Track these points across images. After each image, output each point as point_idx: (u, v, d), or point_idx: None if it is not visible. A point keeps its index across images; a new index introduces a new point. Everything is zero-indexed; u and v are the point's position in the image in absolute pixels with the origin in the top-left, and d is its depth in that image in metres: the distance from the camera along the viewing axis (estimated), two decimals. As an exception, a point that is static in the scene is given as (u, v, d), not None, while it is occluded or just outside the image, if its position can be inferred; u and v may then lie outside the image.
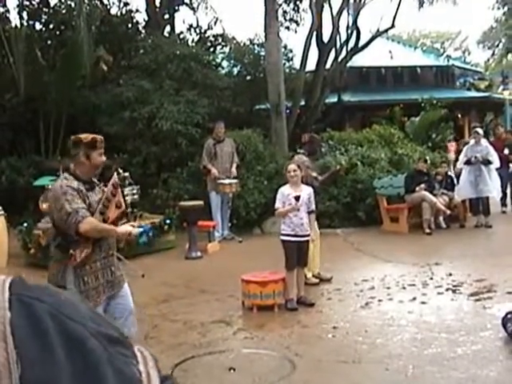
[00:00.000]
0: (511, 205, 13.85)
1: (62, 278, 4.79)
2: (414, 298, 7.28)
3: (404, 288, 7.80)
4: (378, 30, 19.10)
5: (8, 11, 15.84)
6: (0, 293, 0.67)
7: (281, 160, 12.34)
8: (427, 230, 11.58)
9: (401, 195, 12.13)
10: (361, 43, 18.24)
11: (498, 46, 44.40)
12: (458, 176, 12.67)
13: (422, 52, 29.47)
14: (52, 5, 16.26)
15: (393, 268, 8.94)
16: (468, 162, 12.30)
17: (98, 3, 16.89)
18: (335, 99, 18.94)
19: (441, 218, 12.04)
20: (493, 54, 45.84)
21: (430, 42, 51.19)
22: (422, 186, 11.81)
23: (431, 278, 8.17)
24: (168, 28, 17.55)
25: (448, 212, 11.90)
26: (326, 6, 17.25)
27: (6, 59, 14.50)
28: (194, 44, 16.63)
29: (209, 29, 17.76)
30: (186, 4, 18.51)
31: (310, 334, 6.25)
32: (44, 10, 16.16)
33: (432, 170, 12.83)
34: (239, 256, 10.16)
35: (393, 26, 18.61)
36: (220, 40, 17.51)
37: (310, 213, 7.34)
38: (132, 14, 17.29)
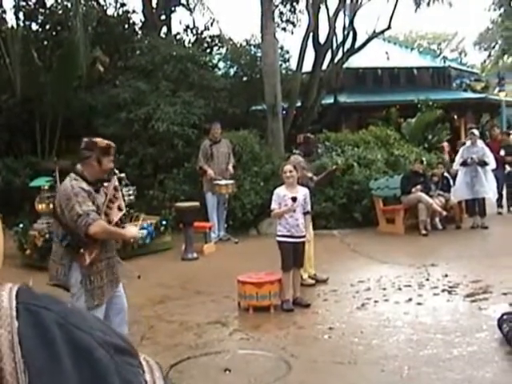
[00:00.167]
0: (507, 206, 13.87)
1: (65, 277, 4.87)
2: (410, 299, 7.29)
3: (400, 289, 7.80)
4: (374, 31, 19.09)
5: (4, 12, 15.81)
6: (7, 301, 0.66)
7: (277, 161, 12.33)
8: (423, 231, 11.59)
9: (397, 196, 12.13)
10: (357, 44, 18.25)
11: (494, 47, 44.51)
12: (454, 177, 12.69)
13: (418, 53, 29.52)
14: (48, 5, 16.24)
15: (389, 269, 8.94)
16: (464, 164, 12.32)
17: (95, 4, 16.88)
18: (331, 100, 18.94)
19: (437, 219, 12.06)
20: (489, 56, 45.96)
21: (426, 44, 51.29)
22: (418, 187, 11.82)
23: (427, 279, 8.17)
24: (165, 29, 17.54)
25: (444, 213, 11.92)
26: (323, 7, 17.25)
27: (2, 60, 14.47)
28: (190, 45, 16.61)
29: (205, 30, 17.75)
30: (183, 5, 18.49)
31: (306, 335, 6.25)
32: (40, 10, 16.14)
33: (428, 171, 12.85)
34: (235, 257, 10.16)
35: (389, 27, 18.61)
36: (217, 41, 17.49)
37: (305, 214, 7.34)
38: (128, 15, 17.26)
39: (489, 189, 12.32)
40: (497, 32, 40.87)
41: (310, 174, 8.36)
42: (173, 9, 17.94)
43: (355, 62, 20.25)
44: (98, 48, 14.60)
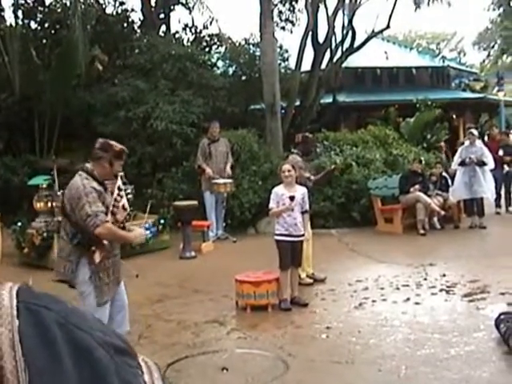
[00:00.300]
0: (505, 206, 13.87)
1: (73, 274, 4.93)
2: (408, 299, 7.29)
3: (398, 289, 7.81)
4: (373, 31, 19.09)
5: (3, 10, 15.79)
6: (8, 300, 0.66)
7: (275, 160, 12.34)
8: (421, 231, 11.60)
9: (395, 196, 12.14)
10: (356, 44, 18.23)
11: (493, 47, 44.53)
12: (452, 177, 12.69)
13: (417, 53, 29.49)
14: (47, 4, 16.23)
15: (387, 269, 8.94)
16: (462, 163, 12.32)
17: (94, 2, 16.86)
18: (330, 99, 18.92)
19: (435, 219, 12.06)
20: (488, 55, 45.97)
21: (425, 43, 51.30)
22: (417, 186, 11.82)
23: (425, 279, 8.18)
24: (163, 27, 17.53)
25: (442, 213, 11.92)
26: (322, 6, 17.25)
27: (0, 58, 14.45)
28: (189, 44, 16.61)
29: (204, 28, 17.74)
30: (182, 3, 18.47)
31: (304, 335, 6.26)
32: (39, 8, 16.13)
33: (426, 170, 12.85)
34: (233, 256, 10.16)
35: (388, 26, 18.61)
36: (215, 40, 17.48)
37: (303, 213, 7.34)
38: (127, 14, 17.25)
39: (487, 189, 12.33)
40: (496, 32, 40.91)
41: (307, 174, 8.35)
42: (172, 7, 17.92)
43: (354, 61, 20.22)
44: (97, 46, 14.58)
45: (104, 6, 17.20)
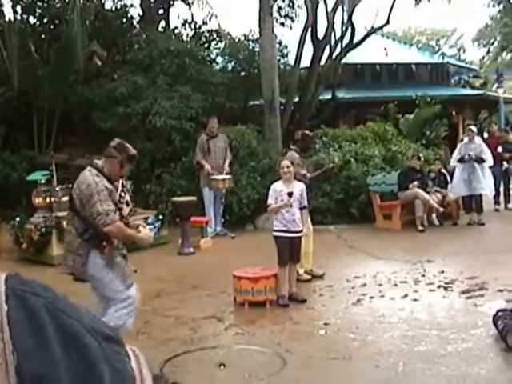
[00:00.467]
0: (504, 203, 13.87)
1: (83, 267, 5.04)
2: (406, 295, 7.29)
3: (396, 285, 7.81)
4: (372, 27, 19.09)
5: (2, 5, 15.76)
6: None
7: (274, 156, 12.34)
8: (420, 228, 11.60)
9: (394, 192, 12.14)
10: (356, 40, 18.23)
11: (493, 43, 44.45)
12: (451, 174, 12.69)
13: (417, 49, 29.40)
14: (46, -1, 16.21)
15: (385, 265, 8.94)
16: (461, 160, 12.32)
17: (93, -3, 16.85)
18: (329, 96, 18.91)
19: (434, 216, 12.06)
20: (488, 52, 45.89)
21: (425, 40, 51.23)
22: (415, 183, 11.82)
23: (423, 276, 8.18)
24: (163, 23, 17.51)
25: (441, 209, 11.92)
26: (321, 2, 17.23)
27: (-1, 53, 14.45)
28: (188, 39, 16.59)
29: (204, 24, 17.70)
30: (181, -1, 18.45)
31: (301, 331, 6.25)
32: (38, 3, 16.11)
33: (425, 167, 12.85)
34: (232, 252, 10.16)
35: (388, 22, 18.60)
36: (215, 35, 17.45)
37: (302, 209, 7.34)
38: (126, 9, 17.23)
39: (486, 185, 12.33)
40: (496, 28, 40.85)
41: (303, 172, 8.33)
42: (171, 3, 17.88)
43: (353, 57, 20.21)
44: (96, 42, 14.56)
45: (103, 2, 17.17)
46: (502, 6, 34.63)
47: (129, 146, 5.20)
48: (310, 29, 16.90)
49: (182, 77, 14.12)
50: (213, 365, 5.34)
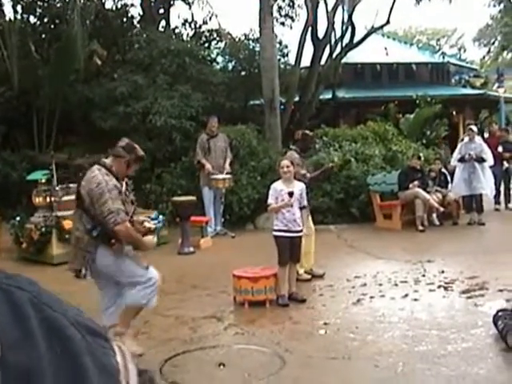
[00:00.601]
0: (504, 203, 13.87)
1: (94, 264, 5.09)
2: (406, 295, 7.28)
3: (396, 285, 7.80)
4: (373, 26, 19.07)
5: (2, 4, 15.77)
6: None
7: (274, 156, 12.34)
8: (420, 227, 11.59)
9: (394, 192, 12.13)
10: (356, 39, 18.21)
11: (493, 43, 44.45)
12: (451, 173, 12.68)
13: (417, 49, 29.43)
14: (46, -2, 16.22)
15: (385, 265, 8.93)
16: (462, 160, 12.31)
17: (93, -3, 16.85)
18: (330, 95, 18.91)
19: (434, 215, 12.05)
20: (488, 52, 45.89)
21: (425, 39, 51.20)
22: (416, 182, 11.81)
23: (423, 275, 8.16)
24: (163, 23, 17.51)
25: (441, 209, 11.90)
26: (321, 1, 17.22)
27: (-1, 52, 14.46)
28: (188, 39, 16.59)
29: (204, 24, 17.70)
30: (182, -1, 18.44)
31: (301, 330, 6.24)
32: (38, 3, 16.11)
33: (426, 166, 12.84)
34: (232, 252, 10.16)
35: (388, 22, 18.58)
36: (215, 35, 17.45)
37: (301, 208, 7.33)
38: (127, 9, 17.23)
39: (486, 185, 12.32)
40: (496, 28, 40.84)
41: (303, 171, 8.32)
42: (171, 2, 17.89)
43: (354, 57, 20.20)
44: (96, 41, 14.57)
45: (103, 1, 17.18)
46: (502, 5, 34.61)
47: (137, 146, 5.26)
48: (310, 28, 16.90)
49: (182, 76, 14.12)
50: (212, 364, 5.33)
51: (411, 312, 6.64)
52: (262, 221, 12.06)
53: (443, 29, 55.07)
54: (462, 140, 13.28)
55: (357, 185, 12.40)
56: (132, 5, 17.29)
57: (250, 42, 16.26)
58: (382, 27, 19.68)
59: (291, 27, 18.12)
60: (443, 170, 12.88)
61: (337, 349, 5.60)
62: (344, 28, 17.92)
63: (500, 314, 5.69)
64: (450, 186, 12.61)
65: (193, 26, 17.61)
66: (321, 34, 17.27)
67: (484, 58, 45.95)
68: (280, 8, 17.72)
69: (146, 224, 5.39)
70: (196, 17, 19.91)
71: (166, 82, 13.74)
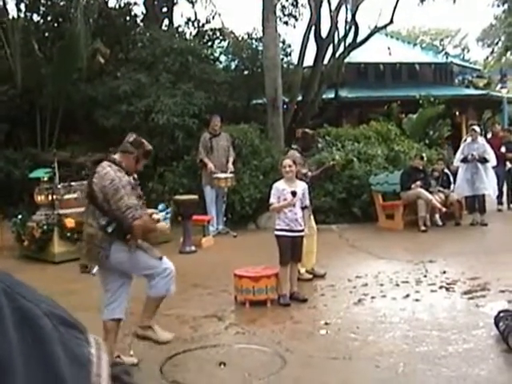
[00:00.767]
0: (507, 203, 13.85)
1: (107, 260, 5.10)
2: (407, 296, 7.27)
3: (397, 285, 7.78)
4: (376, 26, 19.04)
5: (5, 2, 15.78)
6: None
7: (277, 155, 12.32)
8: (422, 228, 11.57)
9: (396, 192, 12.11)
10: (359, 39, 18.20)
11: (497, 43, 44.35)
12: (454, 174, 12.66)
13: (420, 49, 29.38)
14: (50, -4, 16.23)
15: (387, 265, 8.92)
16: (465, 160, 12.29)
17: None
18: (333, 95, 18.91)
19: (437, 216, 12.02)
20: (492, 52, 45.79)
21: (429, 39, 51.11)
22: (418, 183, 11.79)
23: (425, 276, 8.15)
24: (166, 21, 17.51)
25: (444, 209, 11.88)
26: (325, 1, 17.21)
27: (3, 51, 14.46)
28: (191, 38, 16.60)
29: (207, 23, 17.73)
30: (185, -3, 18.45)
31: (302, 330, 6.23)
32: (42, 1, 16.14)
33: (428, 167, 12.82)
34: (233, 251, 10.15)
35: (391, 21, 18.57)
36: (218, 34, 17.46)
37: (303, 208, 7.32)
38: (130, 7, 17.28)
39: (489, 186, 12.30)
40: (500, 28, 40.74)
41: (304, 170, 8.30)
42: (174, 1, 17.90)
43: (357, 56, 20.20)
44: (99, 40, 14.59)
45: (106, 0, 17.17)
46: (506, 5, 34.54)
47: (145, 141, 5.30)
48: (313, 28, 16.88)
49: (184, 75, 14.12)
50: (213, 364, 5.33)
51: (412, 312, 6.63)
52: (263, 220, 12.05)
53: (447, 29, 54.98)
54: (465, 140, 13.25)
55: (359, 184, 12.40)
56: (135, 3, 17.35)
57: (253, 41, 16.26)
58: (385, 27, 19.67)
59: (294, 26, 18.16)
60: (446, 170, 12.86)
61: (338, 349, 5.59)
62: (347, 27, 17.91)
63: (501, 314, 5.68)
64: (452, 186, 12.59)
65: (196, 24, 17.63)
66: (324, 33, 17.26)
67: (487, 58, 45.87)
68: (283, 7, 17.73)
69: (155, 216, 5.45)
70: (199, 15, 20.01)
71: (169, 81, 13.74)
